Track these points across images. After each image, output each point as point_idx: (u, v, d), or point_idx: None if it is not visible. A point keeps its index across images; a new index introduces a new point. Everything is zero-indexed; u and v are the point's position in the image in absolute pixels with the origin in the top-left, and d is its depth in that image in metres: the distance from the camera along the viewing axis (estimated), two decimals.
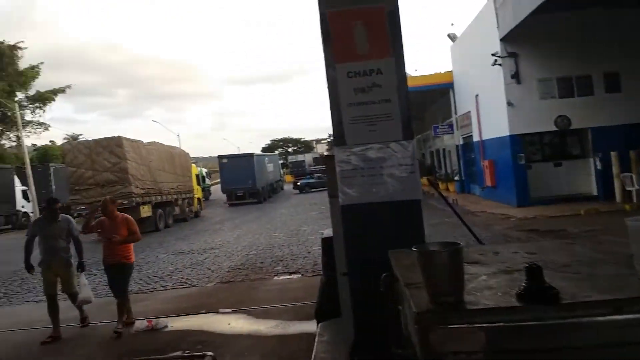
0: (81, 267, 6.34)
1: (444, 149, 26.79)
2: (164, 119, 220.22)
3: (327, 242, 4.45)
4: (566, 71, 15.04)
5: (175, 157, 22.24)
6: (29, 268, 6.20)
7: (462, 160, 22.41)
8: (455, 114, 22.28)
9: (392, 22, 2.80)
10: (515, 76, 15.17)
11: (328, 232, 4.92)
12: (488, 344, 1.28)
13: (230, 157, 31.10)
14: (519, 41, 14.84)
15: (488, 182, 17.63)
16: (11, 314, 8.06)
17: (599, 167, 14.73)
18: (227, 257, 11.54)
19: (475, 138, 19.33)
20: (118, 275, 6.26)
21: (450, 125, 23.11)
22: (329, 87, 2.82)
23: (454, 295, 1.37)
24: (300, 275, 8.92)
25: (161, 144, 21.66)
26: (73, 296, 6.32)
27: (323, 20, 2.81)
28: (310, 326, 5.04)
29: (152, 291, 8.79)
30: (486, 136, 18.02)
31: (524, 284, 1.38)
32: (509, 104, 15.25)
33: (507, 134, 15.50)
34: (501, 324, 1.29)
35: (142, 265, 11.25)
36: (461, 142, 22.24)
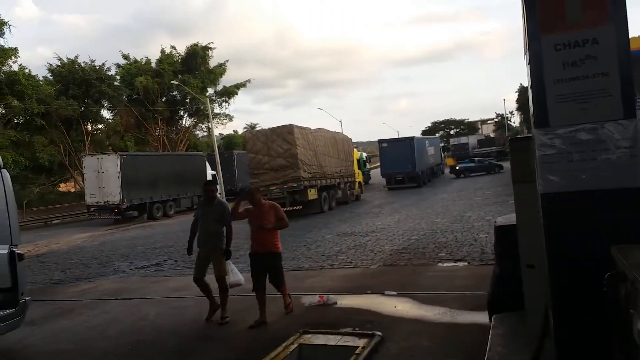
0: (227, 255, 6.20)
1: None
2: (328, 106, 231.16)
3: (503, 231, 4.22)
4: None
5: (338, 142, 23.12)
6: (189, 250, 6.37)
7: None
8: None
9: None
10: None
11: (503, 219, 4.66)
12: None
13: (390, 142, 31.21)
14: None
15: None
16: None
17: None
18: (388, 241, 11.61)
19: None
20: (269, 266, 5.98)
21: None
22: (531, 63, 2.50)
23: None
24: (466, 264, 8.52)
25: (326, 130, 22.69)
26: (221, 280, 6.15)
27: None
28: (481, 317, 4.79)
29: (320, 269, 9.30)
30: None
31: None
32: None
33: None
34: None
35: (311, 244, 12.02)
36: None
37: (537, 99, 2.49)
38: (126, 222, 24.03)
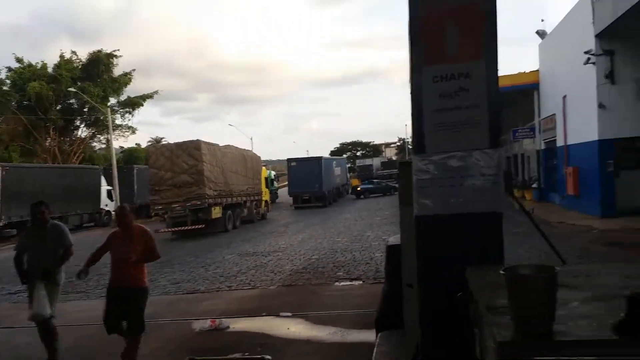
0: (46, 275, 5.02)
1: (522, 154, 25.28)
2: (240, 122, 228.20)
3: (392, 250, 4.32)
4: None
5: (247, 160, 22.81)
6: (24, 282, 5.21)
7: (542, 167, 20.98)
8: (539, 116, 20.91)
9: (487, 21, 2.52)
10: (610, 76, 13.90)
11: (394, 239, 4.77)
12: None
13: (299, 161, 31.48)
14: (616, 38, 13.55)
15: (570, 191, 16.35)
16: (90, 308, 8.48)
17: None
18: (289, 261, 11.58)
19: (559, 143, 18.02)
20: (130, 307, 4.76)
21: (532, 129, 21.73)
22: (412, 93, 2.60)
23: (543, 326, 1.21)
24: (361, 282, 8.76)
25: (235, 147, 22.30)
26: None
27: (413, 20, 2.61)
28: (371, 335, 4.89)
29: (217, 291, 9.00)
30: (572, 141, 16.71)
31: (623, 315, 1.19)
32: (601, 106, 14.01)
33: (596, 138, 14.25)
34: (594, 358, 1.14)
35: (210, 265, 11.62)
36: (543, 147, 20.84)
37: (417, 127, 2.57)
38: (3, 242, 21.48)
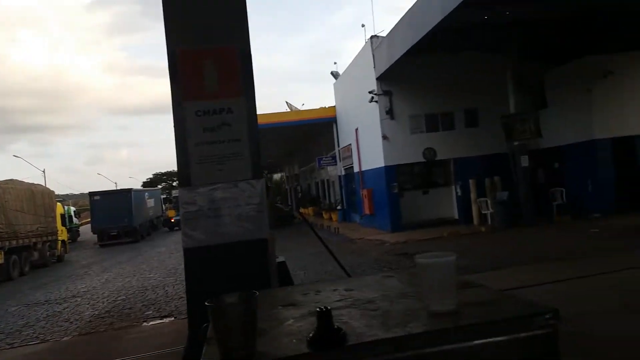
0: None
1: (327, 180, 27.62)
2: (30, 154, 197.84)
3: None
4: (433, 108, 16.55)
5: (36, 196, 19.85)
6: None
7: (344, 190, 23.25)
8: (338, 146, 23.19)
9: (243, 61, 2.73)
10: (389, 112, 16.30)
11: None
12: None
13: (104, 194, 28.72)
14: (393, 80, 16.04)
15: (367, 210, 18.45)
16: None
17: (459, 193, 16.27)
18: (90, 305, 10.40)
19: (356, 169, 20.23)
20: None
21: (334, 157, 23.96)
22: (175, 126, 2.65)
23: (245, 349, 1.28)
24: (173, 319, 8.31)
25: (20, 181, 19.27)
26: None
27: (172, 57, 2.66)
28: None
29: None
30: (365, 167, 18.94)
31: (315, 329, 1.35)
32: (384, 137, 16.27)
33: (383, 165, 16.45)
34: None
35: None
36: (343, 173, 23.12)
37: (181, 160, 2.63)
38: None
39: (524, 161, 13.69)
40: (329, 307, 1.35)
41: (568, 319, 4.48)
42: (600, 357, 3.84)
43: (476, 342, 1.35)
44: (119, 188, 32.37)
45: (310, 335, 1.34)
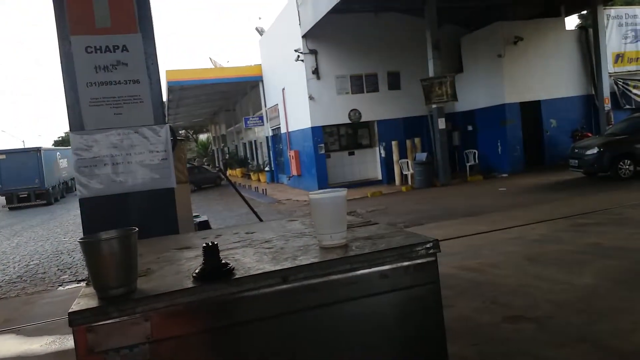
0: None
1: (255, 141, 27.24)
2: None
3: None
4: (358, 69, 16.63)
5: None
6: None
7: (271, 152, 23.09)
8: (265, 106, 22.79)
9: None
10: (316, 72, 16.16)
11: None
12: (154, 332, 1.19)
13: (10, 153, 26.33)
14: (319, 39, 15.83)
15: (294, 172, 18.52)
16: None
17: (382, 155, 16.76)
18: (0, 271, 9.72)
19: (283, 130, 20.08)
20: None
21: (260, 117, 23.56)
22: (62, 63, 2.39)
23: (124, 286, 1.23)
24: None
25: None
26: None
27: None
28: None
29: None
30: (292, 128, 18.85)
31: (201, 264, 1.33)
32: (310, 98, 16.19)
33: (309, 126, 16.44)
34: (171, 307, 1.21)
35: None
36: (270, 134, 22.88)
37: (71, 102, 2.41)
38: None
39: (441, 124, 14.30)
40: (215, 243, 1.33)
41: (474, 269, 4.83)
42: (502, 303, 4.20)
43: (361, 271, 1.39)
44: (26, 147, 29.78)
45: (197, 270, 1.31)
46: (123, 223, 2.43)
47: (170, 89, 23.23)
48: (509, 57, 15.23)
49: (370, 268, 1.38)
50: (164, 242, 1.88)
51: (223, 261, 1.33)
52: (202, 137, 52.03)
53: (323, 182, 16.33)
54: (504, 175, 14.96)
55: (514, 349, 3.22)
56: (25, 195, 25.11)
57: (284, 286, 1.30)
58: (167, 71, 21.79)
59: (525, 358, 3.08)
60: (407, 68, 16.70)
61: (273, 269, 1.33)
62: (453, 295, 4.35)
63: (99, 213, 2.39)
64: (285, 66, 18.12)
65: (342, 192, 1.50)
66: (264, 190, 18.56)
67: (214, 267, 1.29)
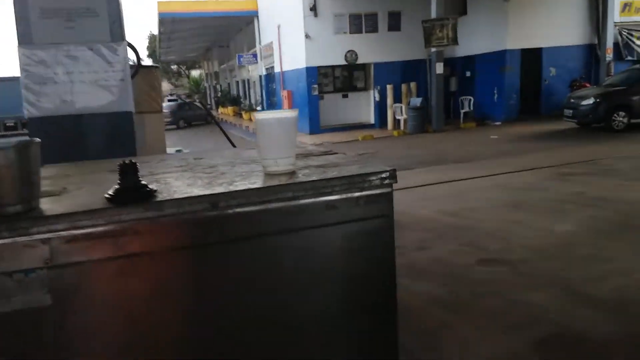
0: None
1: (248, 80, 26.59)
2: None
3: None
4: (358, 7, 15.90)
5: None
6: None
7: (264, 91, 22.59)
8: (260, 44, 22.02)
9: None
10: (314, 9, 15.45)
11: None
12: (53, 256, 1.07)
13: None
14: None
15: None
16: None
17: (377, 98, 16.42)
18: None
19: (277, 69, 19.53)
20: None
21: (255, 55, 22.84)
22: None
23: (22, 204, 1.08)
24: None
25: None
26: None
27: None
28: None
29: None
30: (286, 67, 18.32)
31: (117, 185, 1.18)
32: (307, 36, 15.58)
33: (304, 66, 15.95)
34: (75, 230, 1.07)
35: None
36: (264, 72, 22.27)
37: (19, 12, 2.19)
38: None
39: (439, 68, 13.89)
40: (134, 161, 1.18)
41: (455, 213, 4.76)
42: (478, 246, 4.18)
43: (305, 200, 1.27)
44: (9, 75, 28.90)
45: (110, 191, 1.17)
46: (76, 148, 2.32)
47: (161, 21, 22.28)
48: (515, 1, 14.58)
49: (316, 197, 1.27)
50: (103, 164, 1.74)
51: (143, 182, 1.19)
52: (195, 73, 50.77)
53: (315, 124, 16.07)
54: (498, 123, 14.76)
55: (484, 290, 3.21)
56: (13, 124, 24.69)
57: (213, 213, 1.18)
58: (158, 2, 20.81)
59: (494, 299, 3.08)
60: (408, 8, 16.00)
61: (201, 193, 1.21)
62: (431, 238, 4.33)
63: (50, 136, 2.23)
64: (282, 2, 17.32)
65: (292, 113, 1.36)
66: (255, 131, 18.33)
67: (130, 188, 1.15)
